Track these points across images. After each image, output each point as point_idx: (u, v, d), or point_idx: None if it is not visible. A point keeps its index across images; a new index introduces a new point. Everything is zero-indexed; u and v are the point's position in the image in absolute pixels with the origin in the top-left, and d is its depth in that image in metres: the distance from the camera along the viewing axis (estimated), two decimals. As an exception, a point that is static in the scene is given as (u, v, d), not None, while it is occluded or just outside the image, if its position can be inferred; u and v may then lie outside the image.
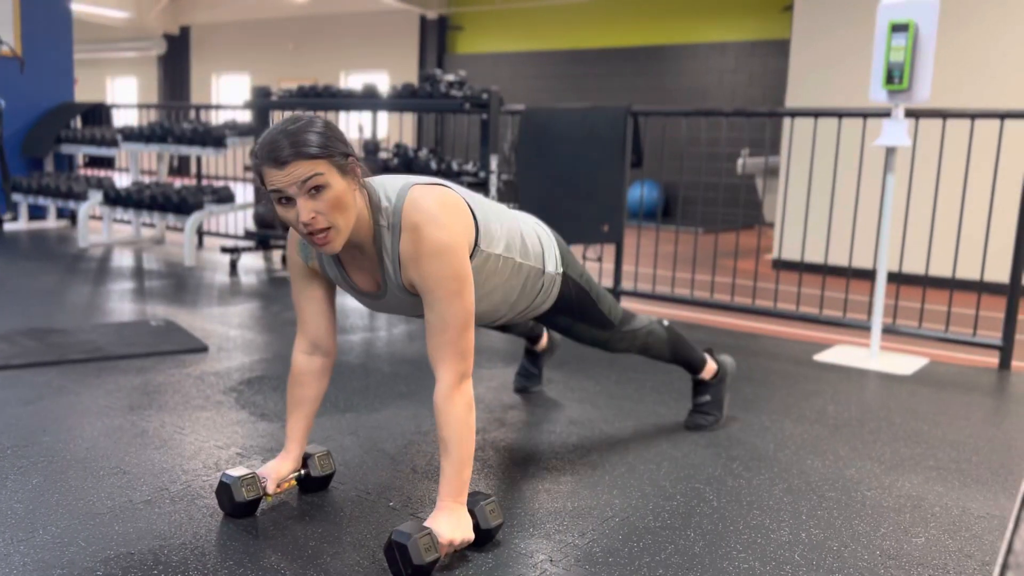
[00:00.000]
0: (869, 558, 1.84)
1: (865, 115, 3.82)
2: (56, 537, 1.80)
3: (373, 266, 1.86)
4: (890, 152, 3.57)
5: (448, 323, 1.76)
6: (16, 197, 6.80)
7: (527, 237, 2.07)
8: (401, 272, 1.80)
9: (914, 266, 5.74)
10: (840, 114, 3.91)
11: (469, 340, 1.79)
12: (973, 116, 3.57)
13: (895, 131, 3.49)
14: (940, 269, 5.67)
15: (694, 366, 2.59)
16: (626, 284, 5.24)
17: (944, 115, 3.63)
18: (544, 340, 2.94)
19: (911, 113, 3.62)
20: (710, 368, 2.62)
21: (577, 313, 2.28)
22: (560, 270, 2.18)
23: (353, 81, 14.27)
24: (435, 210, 1.76)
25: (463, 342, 1.78)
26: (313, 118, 1.70)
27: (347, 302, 4.50)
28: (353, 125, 11.22)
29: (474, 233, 1.86)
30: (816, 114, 3.97)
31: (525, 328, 2.81)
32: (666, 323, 2.53)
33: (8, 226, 6.93)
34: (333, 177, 1.67)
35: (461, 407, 1.76)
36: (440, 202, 1.78)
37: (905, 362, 3.60)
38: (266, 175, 1.66)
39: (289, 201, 1.67)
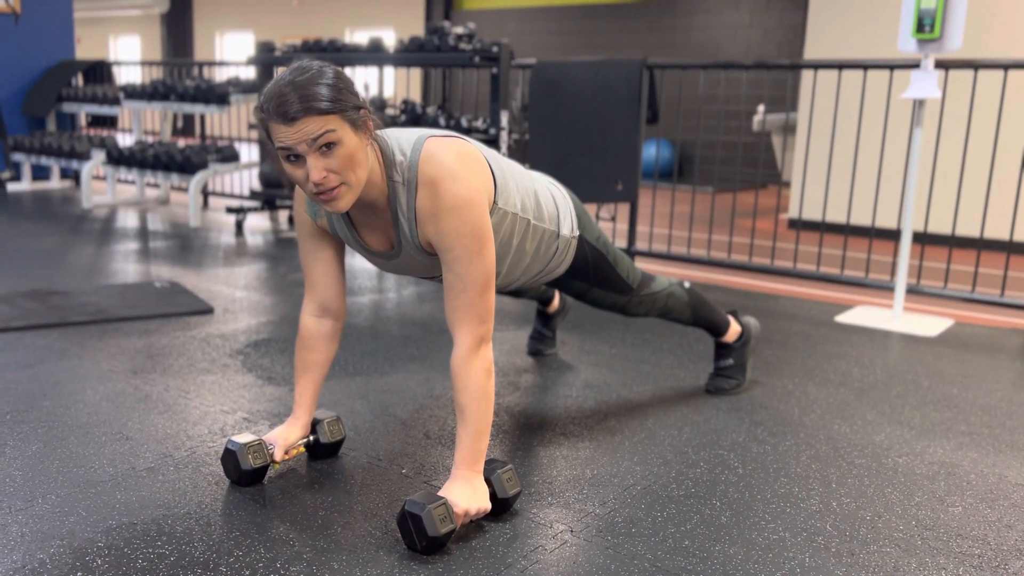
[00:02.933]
0: (904, 528, 1.76)
1: (892, 67, 3.66)
2: (56, 506, 1.73)
3: (386, 224, 1.75)
4: (918, 105, 3.43)
5: (467, 283, 1.66)
6: (19, 157, 6.70)
7: (542, 198, 1.96)
8: (418, 230, 1.69)
9: (940, 226, 5.60)
10: (866, 66, 3.75)
11: (489, 302, 1.69)
12: (1006, 67, 3.41)
13: (924, 83, 3.35)
14: (967, 229, 5.53)
15: (717, 329, 2.49)
16: (641, 245, 5.12)
17: (975, 66, 3.47)
18: (556, 302, 2.85)
19: (941, 64, 3.47)
20: (734, 330, 2.52)
21: (593, 277, 2.18)
22: (576, 233, 2.08)
23: (358, 38, 14.03)
24: (453, 163, 1.65)
25: (482, 304, 1.68)
26: (322, 67, 1.58)
27: (355, 262, 4.40)
28: (359, 82, 11.04)
29: (493, 189, 1.75)
30: (840, 66, 3.82)
31: (537, 291, 2.72)
32: (687, 285, 2.43)
33: (12, 186, 6.84)
34: (345, 133, 1.56)
35: (480, 372, 1.67)
36: (458, 155, 1.67)
37: (930, 323, 3.50)
38: (273, 131, 1.55)
39: (298, 159, 1.56)
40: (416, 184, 1.66)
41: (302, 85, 1.53)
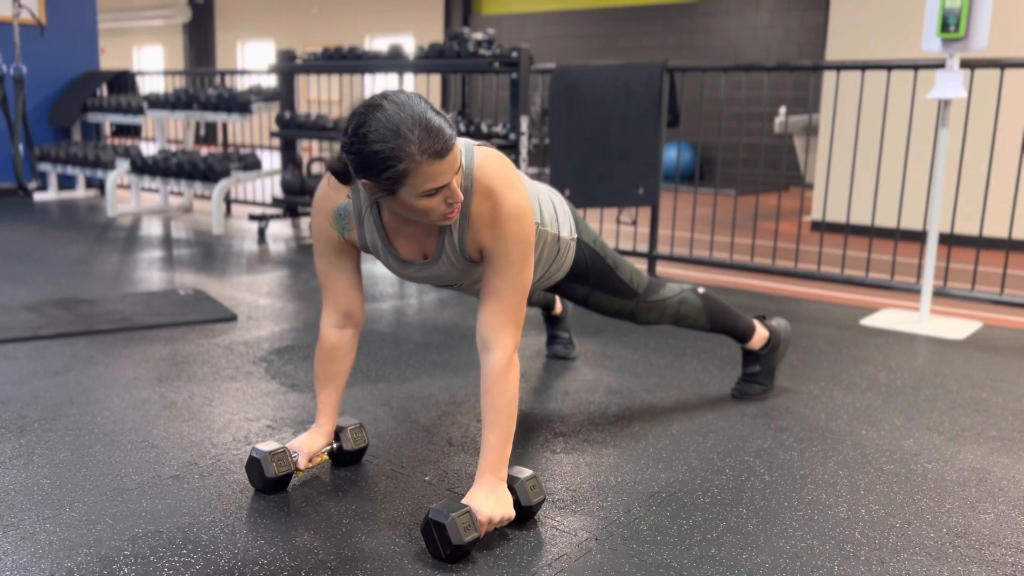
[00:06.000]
0: (935, 536, 1.73)
1: (917, 67, 3.62)
2: (83, 514, 1.74)
3: (423, 232, 1.75)
4: (943, 105, 3.38)
5: (516, 289, 1.70)
6: (45, 167, 6.79)
7: (542, 202, 1.99)
8: (468, 237, 1.70)
9: (967, 227, 5.53)
10: (889, 66, 3.71)
11: (524, 308, 1.73)
12: (1034, 65, 3.36)
13: (950, 83, 3.30)
14: (995, 230, 5.45)
15: (740, 335, 2.45)
16: (662, 248, 5.10)
17: (1002, 65, 3.43)
18: (559, 304, 2.87)
19: (966, 63, 3.42)
20: (760, 336, 2.49)
21: (593, 280, 2.17)
22: (574, 235, 2.09)
23: (378, 45, 14.10)
24: (507, 172, 1.70)
25: (522, 311, 1.73)
26: (406, 96, 1.51)
27: (376, 269, 4.41)
28: (379, 89, 11.09)
29: None
30: (863, 67, 3.78)
31: (539, 298, 2.74)
32: (701, 290, 2.39)
33: (38, 196, 6.93)
34: None
35: (515, 380, 1.70)
36: (506, 164, 1.72)
37: (957, 326, 3.45)
38: (426, 173, 1.47)
39: (439, 190, 1.53)
40: (472, 192, 1.66)
41: (424, 118, 1.47)
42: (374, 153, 1.47)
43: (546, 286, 2.17)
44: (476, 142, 1.75)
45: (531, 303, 2.71)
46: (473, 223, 1.68)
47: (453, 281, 1.86)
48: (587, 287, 2.19)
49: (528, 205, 1.70)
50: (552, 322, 2.91)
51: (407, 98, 1.51)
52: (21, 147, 5.58)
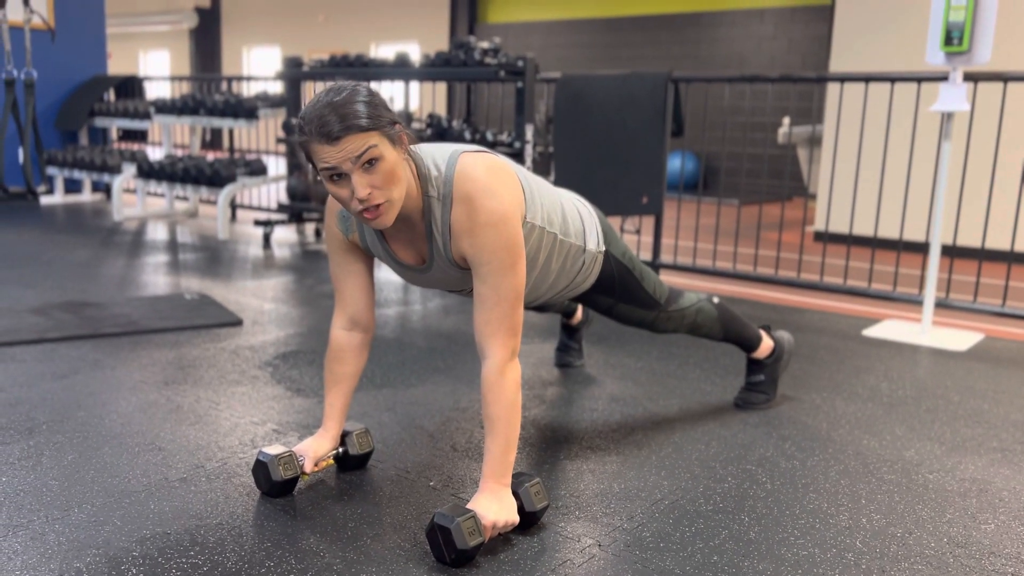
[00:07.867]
0: (936, 545, 1.74)
1: (920, 79, 3.64)
2: (91, 516, 1.76)
3: (419, 238, 1.78)
4: (946, 118, 3.40)
5: (501, 296, 1.68)
6: (52, 170, 6.83)
7: (568, 213, 1.98)
8: (451, 244, 1.72)
9: (969, 239, 5.54)
10: (893, 79, 3.74)
11: (520, 315, 1.72)
12: (1037, 79, 3.38)
13: (953, 96, 3.32)
14: (997, 241, 5.47)
15: (748, 344, 2.47)
16: (666, 257, 5.12)
17: (1005, 78, 3.45)
18: (579, 313, 2.86)
19: (969, 76, 3.44)
20: (766, 346, 2.50)
21: (619, 293, 2.18)
22: (602, 248, 2.09)
23: (383, 52, 14.15)
24: (488, 179, 1.68)
25: (515, 317, 1.70)
26: (356, 86, 1.61)
27: (381, 275, 4.44)
28: (384, 97, 11.14)
29: (523, 203, 1.77)
30: (867, 79, 3.80)
31: (561, 305, 2.73)
32: (716, 300, 2.42)
33: (45, 199, 6.97)
34: (386, 148, 1.59)
35: (512, 385, 1.69)
36: (492, 170, 1.70)
37: (959, 337, 3.46)
38: (316, 152, 1.58)
39: (342, 178, 1.59)
40: (451, 199, 1.68)
41: (340, 105, 1.56)
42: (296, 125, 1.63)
43: (571, 297, 2.18)
44: (474, 148, 1.75)
45: (552, 310, 2.72)
46: (453, 231, 1.70)
47: (453, 287, 1.87)
48: (612, 299, 2.20)
49: (511, 212, 1.68)
50: (568, 331, 2.91)
51: (344, 87, 1.60)
52: (30, 150, 5.61)
